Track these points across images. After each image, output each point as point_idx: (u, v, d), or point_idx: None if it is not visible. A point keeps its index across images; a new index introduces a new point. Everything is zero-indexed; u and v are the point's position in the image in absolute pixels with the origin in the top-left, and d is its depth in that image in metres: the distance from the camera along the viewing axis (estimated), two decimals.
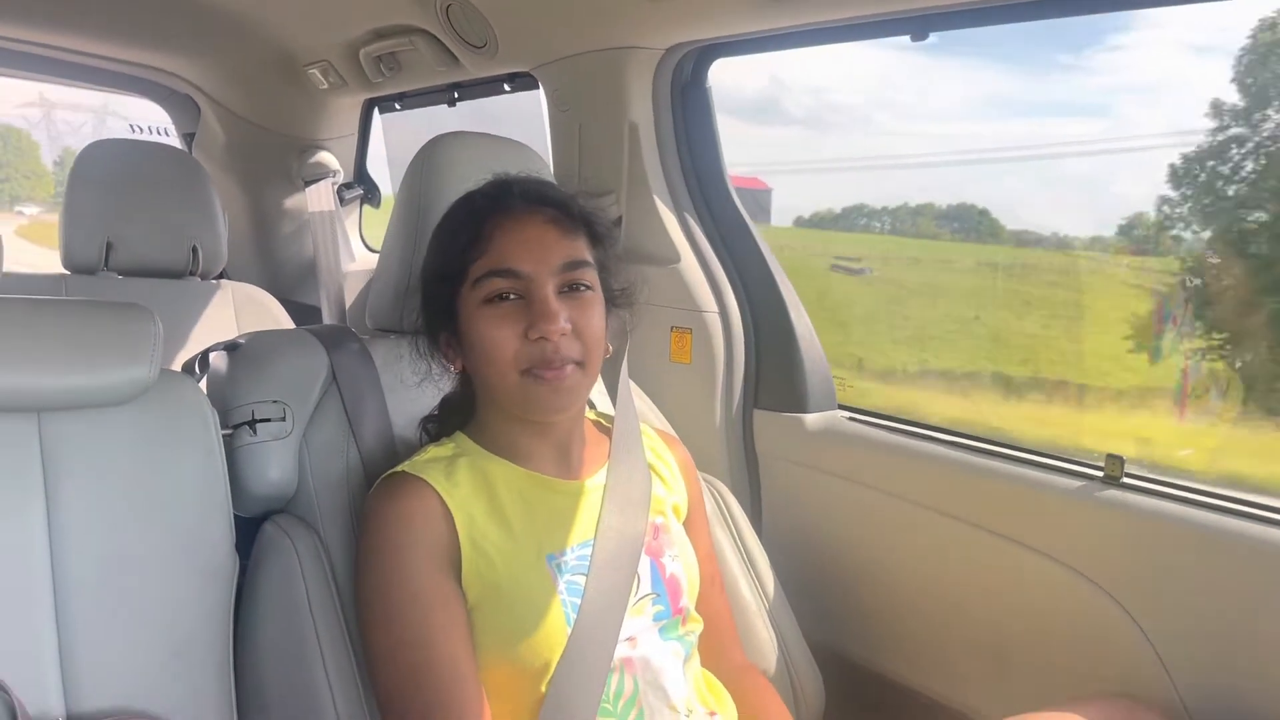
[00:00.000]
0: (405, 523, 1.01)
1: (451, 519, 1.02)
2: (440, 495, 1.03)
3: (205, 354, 1.25)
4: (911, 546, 1.51)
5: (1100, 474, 1.31)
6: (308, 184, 2.74)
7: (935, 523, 1.46)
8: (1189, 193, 2.42)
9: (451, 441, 1.13)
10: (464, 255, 1.06)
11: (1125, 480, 1.28)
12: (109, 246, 2.11)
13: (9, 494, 0.99)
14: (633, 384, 1.49)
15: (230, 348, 1.24)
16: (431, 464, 1.07)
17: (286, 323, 2.34)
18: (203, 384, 1.25)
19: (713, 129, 1.78)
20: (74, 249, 2.10)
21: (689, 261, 1.74)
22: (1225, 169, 2.30)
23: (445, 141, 1.32)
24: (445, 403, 1.19)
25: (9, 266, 1.93)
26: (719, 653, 1.23)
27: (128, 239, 2.13)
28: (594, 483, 1.13)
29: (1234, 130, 2.26)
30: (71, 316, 1.05)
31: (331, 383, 1.22)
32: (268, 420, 1.17)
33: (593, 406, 1.32)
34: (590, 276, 1.08)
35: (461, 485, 1.05)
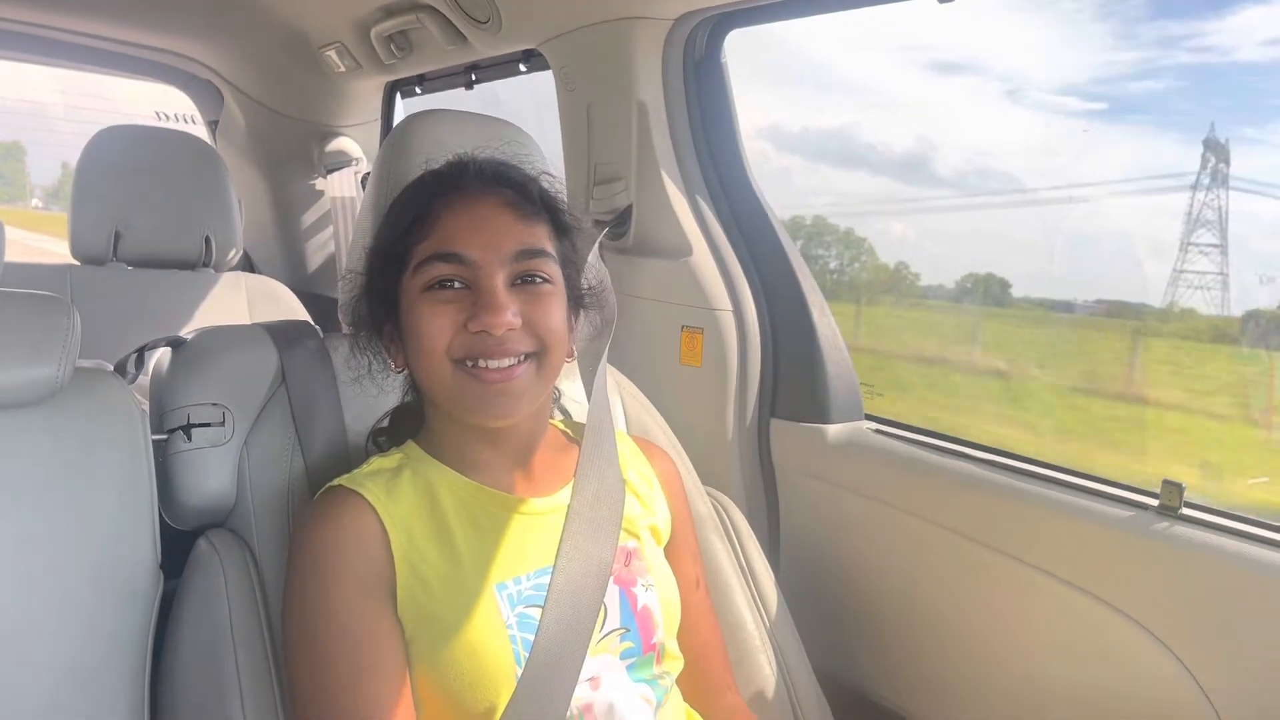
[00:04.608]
0: (335, 545, 0.89)
1: (388, 539, 0.90)
2: (377, 512, 0.91)
3: (141, 351, 1.14)
4: (939, 575, 1.35)
5: (1155, 503, 1.14)
6: (329, 172, 2.66)
7: (967, 550, 1.31)
8: None
9: (400, 451, 1.01)
10: (408, 236, 0.94)
11: (1184, 512, 1.11)
12: (117, 236, 2.06)
13: None
14: (631, 387, 1.36)
15: (174, 344, 1.13)
16: (373, 477, 0.95)
17: (302, 317, 2.26)
18: (145, 384, 1.15)
19: (729, 109, 1.63)
20: (81, 238, 2.06)
21: (702, 254, 1.60)
22: None
23: (421, 120, 1.21)
24: (397, 413, 1.07)
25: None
26: (707, 692, 1.09)
27: (137, 228, 2.08)
28: (556, 501, 0.99)
29: None
30: None
31: (280, 384, 1.10)
32: (205, 425, 1.06)
33: (567, 415, 1.19)
34: (549, 268, 0.95)
35: (402, 500, 0.93)
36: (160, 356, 1.15)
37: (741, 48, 1.64)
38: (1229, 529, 1.07)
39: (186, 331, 1.14)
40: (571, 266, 1.01)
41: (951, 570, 1.33)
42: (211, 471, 1.06)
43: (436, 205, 0.94)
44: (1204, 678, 1.06)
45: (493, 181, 0.97)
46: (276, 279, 2.35)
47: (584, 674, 0.91)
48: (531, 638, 0.89)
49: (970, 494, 1.31)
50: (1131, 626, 1.13)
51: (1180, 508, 1.12)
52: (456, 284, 0.92)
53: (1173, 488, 1.13)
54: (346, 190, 2.67)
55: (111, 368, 1.18)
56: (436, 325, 0.91)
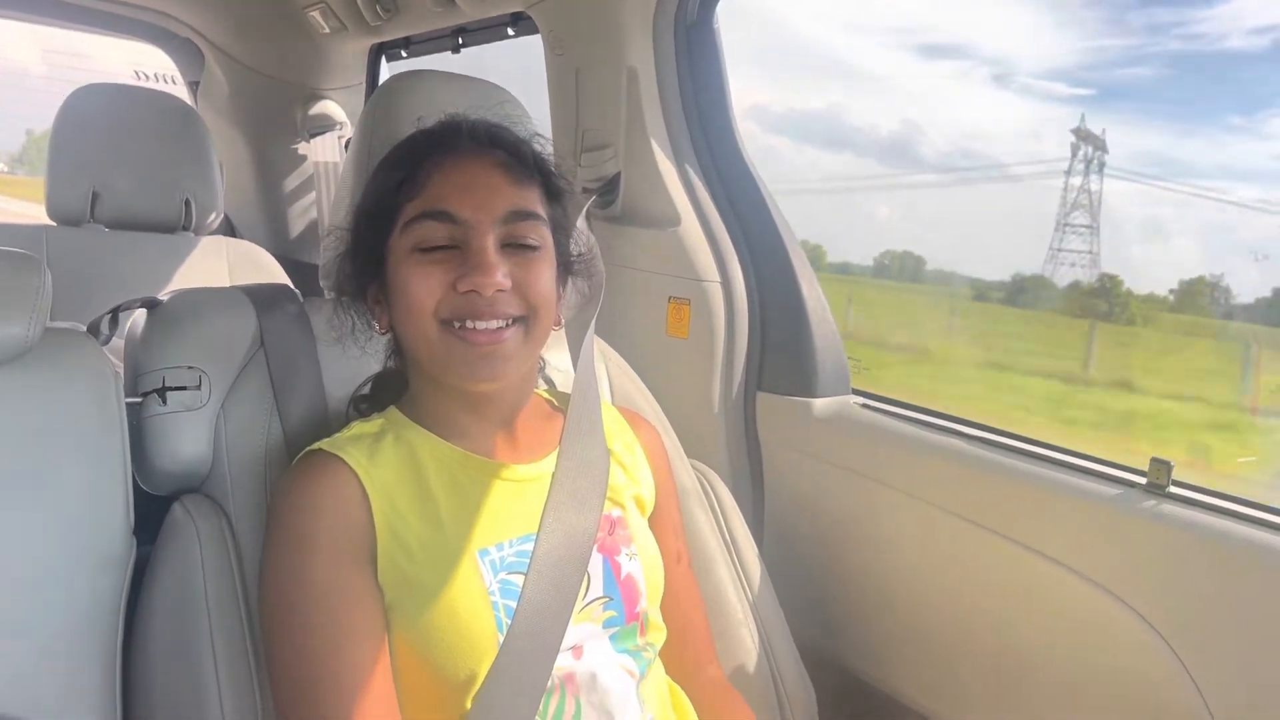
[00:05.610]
0: (315, 510, 0.88)
1: (369, 504, 0.89)
2: (359, 476, 0.89)
3: (115, 311, 1.12)
4: (924, 551, 1.34)
5: (1143, 481, 1.13)
6: (313, 136, 2.62)
7: (953, 526, 1.30)
8: None
9: (382, 417, 0.99)
10: (396, 195, 0.92)
11: (1171, 490, 1.10)
12: (95, 197, 2.02)
13: None
14: (616, 358, 1.35)
15: (150, 305, 1.10)
16: (354, 441, 0.94)
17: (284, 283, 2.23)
18: (119, 345, 1.12)
19: (721, 77, 1.60)
20: (57, 199, 2.01)
21: (690, 224, 1.57)
22: None
23: (406, 80, 1.18)
24: (379, 379, 1.05)
25: None
26: (688, 665, 1.09)
27: (115, 189, 2.04)
28: (540, 468, 0.98)
29: None
30: None
31: (258, 348, 1.08)
32: (181, 388, 1.04)
33: (551, 384, 1.17)
34: (540, 233, 0.94)
35: (384, 465, 0.92)
36: (135, 318, 1.13)
37: (731, 31, 1.61)
38: (1216, 508, 1.07)
39: (165, 295, 1.12)
40: (562, 232, 1.00)
41: (936, 546, 1.33)
42: (187, 436, 1.03)
43: (427, 164, 0.92)
44: (1187, 656, 1.06)
45: (486, 142, 0.95)
46: (258, 244, 2.31)
47: (566, 643, 0.90)
48: (514, 604, 0.87)
49: (957, 470, 1.30)
50: (1115, 604, 1.12)
51: (1168, 486, 1.11)
52: (447, 245, 0.90)
53: (1161, 466, 1.12)
54: (330, 155, 2.62)
55: (85, 329, 1.16)
56: (425, 285, 0.89)
